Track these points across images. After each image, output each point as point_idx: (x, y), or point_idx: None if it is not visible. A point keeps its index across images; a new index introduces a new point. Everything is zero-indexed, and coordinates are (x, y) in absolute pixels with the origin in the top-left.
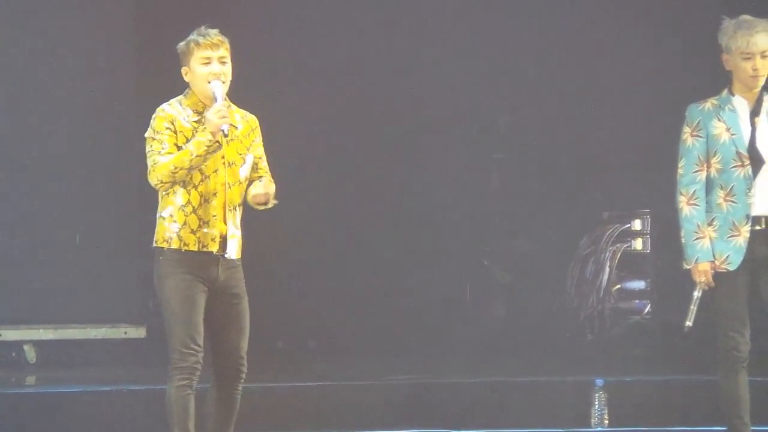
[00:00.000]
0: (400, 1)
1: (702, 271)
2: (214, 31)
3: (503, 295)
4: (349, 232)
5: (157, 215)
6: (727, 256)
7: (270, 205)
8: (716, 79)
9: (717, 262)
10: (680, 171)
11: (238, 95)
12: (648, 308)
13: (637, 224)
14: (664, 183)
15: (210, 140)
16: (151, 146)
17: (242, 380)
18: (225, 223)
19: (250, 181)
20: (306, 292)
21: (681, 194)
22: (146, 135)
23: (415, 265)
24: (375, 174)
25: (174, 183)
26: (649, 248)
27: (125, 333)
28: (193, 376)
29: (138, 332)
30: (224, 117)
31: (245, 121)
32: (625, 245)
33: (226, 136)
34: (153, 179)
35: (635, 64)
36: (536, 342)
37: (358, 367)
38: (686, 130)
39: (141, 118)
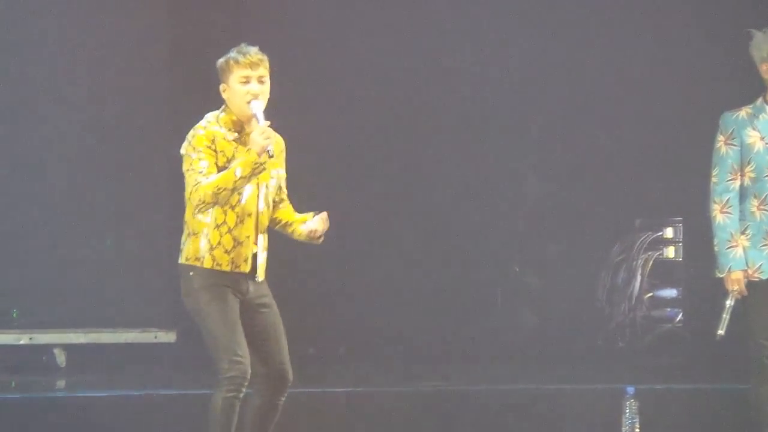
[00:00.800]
0: (418, 3)
1: (735, 279)
2: (254, 49)
3: (534, 302)
4: (379, 238)
5: (188, 232)
6: (760, 265)
7: (321, 240)
8: (747, 87)
9: (750, 271)
10: (714, 179)
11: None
12: (680, 317)
13: (669, 232)
14: (696, 190)
15: (256, 161)
16: (191, 165)
17: (286, 391)
18: (256, 243)
19: (275, 205)
20: (335, 298)
21: (714, 203)
22: (184, 151)
23: (446, 271)
24: (404, 179)
25: (216, 204)
26: (681, 256)
27: (155, 337)
28: (242, 386)
29: (168, 336)
30: (269, 138)
31: (275, 143)
32: (657, 253)
33: (271, 156)
34: (195, 199)
35: (667, 70)
36: (567, 349)
37: (386, 374)
38: (720, 138)
39: (175, 124)
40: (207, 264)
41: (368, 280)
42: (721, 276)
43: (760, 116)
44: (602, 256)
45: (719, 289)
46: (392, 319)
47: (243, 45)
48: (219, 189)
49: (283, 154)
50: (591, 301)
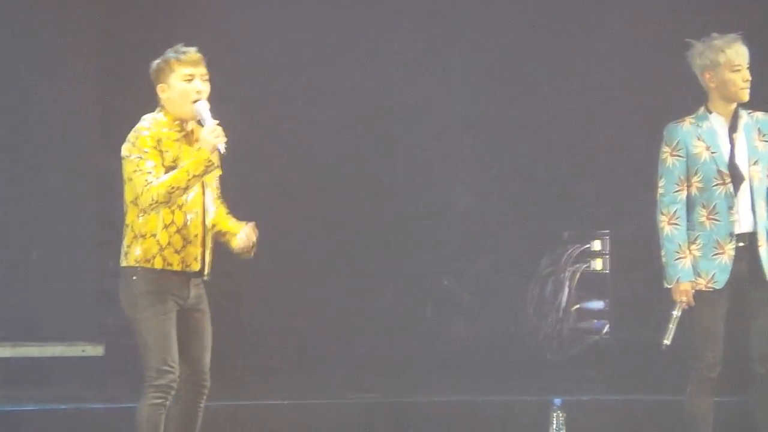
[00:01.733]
0: (382, 6)
1: (683, 290)
2: (193, 49)
3: (463, 315)
4: (311, 251)
5: (134, 235)
6: (713, 275)
7: (251, 255)
8: (673, 101)
9: (703, 281)
10: (660, 191)
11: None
12: (607, 328)
13: (596, 245)
14: (623, 204)
15: (208, 159)
16: (138, 166)
17: (205, 396)
18: (205, 244)
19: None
20: (268, 309)
21: (662, 214)
22: (126, 154)
23: (376, 284)
24: (337, 193)
25: (168, 203)
26: (609, 269)
27: (83, 351)
28: (168, 394)
29: (96, 350)
30: (219, 136)
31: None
32: (585, 265)
33: (222, 154)
34: (146, 199)
35: (594, 84)
36: (495, 361)
37: (318, 386)
38: (665, 149)
39: (101, 136)
40: (158, 264)
41: (298, 293)
42: (669, 287)
43: (704, 125)
44: (530, 268)
45: (649, 299)
46: (325, 331)
47: (180, 45)
48: (172, 188)
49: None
50: (519, 313)
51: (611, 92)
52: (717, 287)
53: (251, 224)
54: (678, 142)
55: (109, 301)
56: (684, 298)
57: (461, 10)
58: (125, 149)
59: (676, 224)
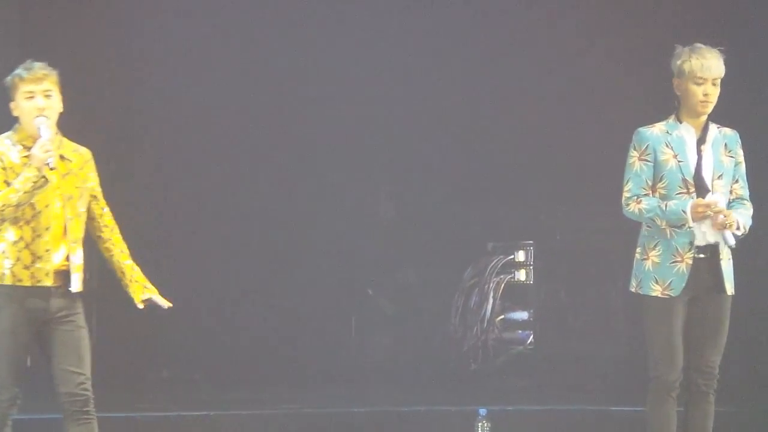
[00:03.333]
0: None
1: (698, 208)
2: (39, 65)
3: (388, 325)
4: (232, 260)
5: None
6: (670, 282)
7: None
8: (602, 110)
9: (659, 288)
10: (627, 194)
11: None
12: (531, 339)
13: (520, 255)
14: (547, 215)
15: (36, 176)
16: None
17: (90, 405)
18: (66, 257)
19: (96, 217)
20: (191, 321)
21: (628, 205)
22: None
23: (300, 294)
24: (259, 202)
25: (3, 220)
26: (533, 279)
27: None
28: (10, 410)
29: None
30: (48, 151)
31: (78, 155)
32: (509, 276)
33: (52, 169)
34: None
35: (520, 95)
36: (420, 372)
37: (242, 397)
38: (633, 153)
39: None
40: (8, 281)
41: (222, 305)
42: (689, 225)
43: (674, 133)
44: (455, 279)
45: (569, 311)
46: (248, 342)
47: (28, 61)
48: (3, 206)
49: (89, 165)
50: (444, 324)
51: (537, 101)
52: (673, 294)
53: (160, 299)
54: (647, 147)
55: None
56: (708, 211)
57: (380, 12)
58: None
59: (644, 199)
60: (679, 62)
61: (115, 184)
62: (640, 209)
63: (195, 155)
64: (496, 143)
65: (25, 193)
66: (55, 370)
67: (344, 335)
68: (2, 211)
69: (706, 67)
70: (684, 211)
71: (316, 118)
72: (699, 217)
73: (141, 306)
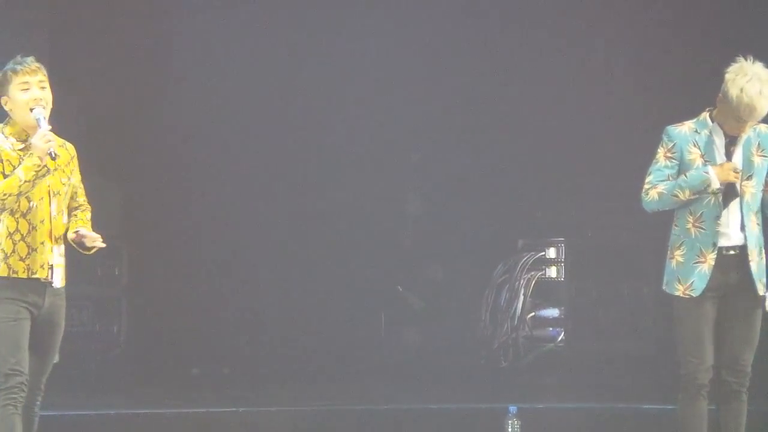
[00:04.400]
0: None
1: (722, 169)
2: (30, 59)
3: (417, 322)
4: (262, 258)
5: None
6: (692, 282)
7: (94, 251)
8: (633, 109)
9: (682, 288)
10: (645, 186)
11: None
12: (561, 336)
13: (551, 252)
14: (577, 211)
15: (38, 165)
16: None
17: (38, 403)
18: (52, 251)
19: (70, 212)
20: (221, 318)
21: (647, 194)
22: None
23: (329, 291)
24: (289, 199)
25: (3, 210)
26: (563, 276)
27: None
28: (19, 396)
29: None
30: (50, 141)
31: (64, 150)
32: (540, 273)
33: (54, 158)
34: None
35: (552, 92)
36: (450, 369)
37: (272, 393)
38: (660, 150)
39: None
40: (3, 272)
41: (252, 302)
42: (713, 187)
43: (703, 132)
44: (485, 276)
45: (600, 308)
46: (277, 339)
47: (18, 56)
48: (5, 194)
49: (74, 161)
50: (474, 321)
51: (568, 98)
52: (694, 295)
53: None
54: (674, 145)
55: (66, 309)
56: (730, 175)
57: (418, 15)
58: None
59: (661, 183)
60: (730, 89)
61: (145, 183)
62: (659, 192)
63: (224, 153)
64: (526, 140)
65: (26, 182)
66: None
67: (374, 332)
68: (4, 200)
69: (752, 113)
70: (706, 172)
71: (346, 115)
72: (724, 178)
73: (72, 235)
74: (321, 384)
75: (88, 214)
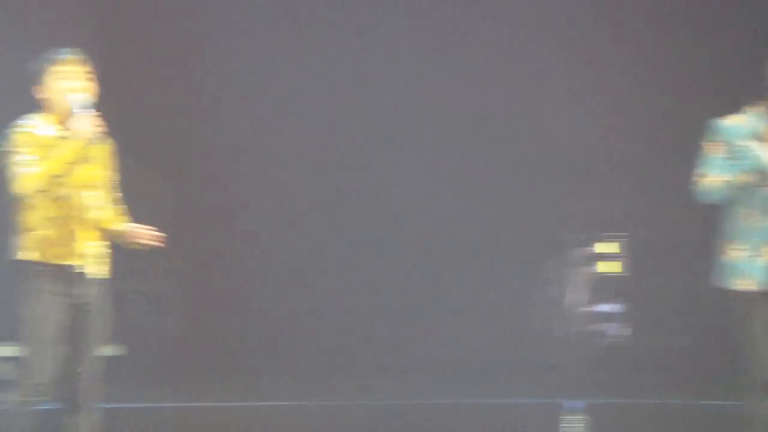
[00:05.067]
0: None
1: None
2: (70, 50)
3: (473, 317)
4: (323, 253)
5: (18, 228)
6: (747, 276)
7: (141, 247)
8: (689, 102)
9: (738, 282)
10: (698, 177)
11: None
12: (620, 330)
13: (611, 247)
14: (638, 207)
15: (80, 148)
16: (11, 159)
17: (93, 391)
18: (84, 240)
19: (105, 205)
20: (281, 311)
21: (700, 183)
22: (4, 149)
23: (387, 287)
24: (339, 195)
25: (43, 191)
26: (622, 271)
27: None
28: (38, 396)
29: (110, 350)
30: (92, 128)
31: (101, 143)
32: (596, 268)
33: (95, 143)
34: (21, 189)
35: (615, 86)
36: (507, 364)
37: (329, 387)
38: (710, 143)
39: None
40: (35, 257)
41: (311, 295)
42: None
43: (751, 124)
44: (541, 270)
45: (657, 304)
46: (334, 333)
47: (59, 47)
48: (46, 176)
49: (110, 156)
50: (532, 315)
51: (627, 93)
52: (750, 288)
53: (140, 228)
54: (722, 138)
55: (121, 302)
56: None
57: (456, 10)
58: (3, 145)
59: (713, 173)
60: None
61: (197, 178)
62: (713, 182)
63: (266, 146)
64: (586, 135)
65: (66, 164)
66: (68, 353)
67: (430, 327)
68: (44, 182)
69: None
70: (759, 156)
71: (384, 106)
72: None
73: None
74: (372, 378)
75: (123, 210)
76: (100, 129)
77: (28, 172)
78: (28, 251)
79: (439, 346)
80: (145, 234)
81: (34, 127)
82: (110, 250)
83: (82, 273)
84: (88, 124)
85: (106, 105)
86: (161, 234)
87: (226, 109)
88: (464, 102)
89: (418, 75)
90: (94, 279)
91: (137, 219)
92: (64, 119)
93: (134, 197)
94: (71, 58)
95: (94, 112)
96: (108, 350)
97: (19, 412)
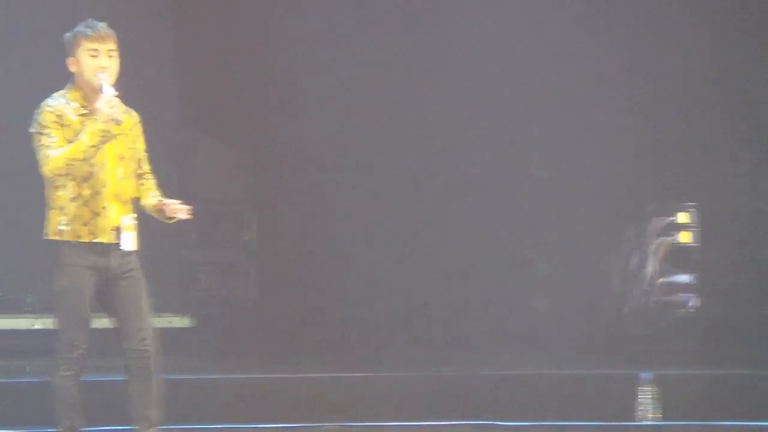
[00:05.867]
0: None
1: None
2: (102, 24)
3: (547, 288)
4: (394, 224)
5: (49, 207)
6: None
7: (174, 221)
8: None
9: None
10: None
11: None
12: (693, 302)
13: (683, 217)
14: (710, 177)
15: (103, 130)
16: (41, 141)
17: (150, 360)
18: (117, 214)
19: (137, 178)
20: (352, 283)
21: None
22: (32, 130)
23: (459, 257)
24: (418, 166)
25: (68, 174)
26: (695, 242)
27: (170, 322)
28: (77, 366)
29: (182, 321)
30: (114, 107)
31: (128, 117)
32: (671, 238)
33: (119, 124)
34: (47, 172)
35: (683, 57)
36: (581, 335)
37: (403, 359)
38: None
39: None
40: (67, 237)
41: (381, 267)
42: None
43: None
44: (616, 241)
45: (732, 273)
46: (407, 304)
47: (90, 19)
48: (70, 159)
49: (138, 129)
50: (604, 287)
51: (703, 63)
52: None
53: (176, 203)
54: None
55: (194, 273)
56: None
57: None
58: (32, 126)
59: None
60: None
61: (271, 148)
62: None
63: (349, 118)
64: (660, 104)
65: (91, 146)
66: (117, 326)
67: (503, 298)
68: (70, 164)
69: None
70: None
71: (472, 84)
72: None
73: (153, 203)
74: (446, 349)
75: (155, 182)
76: (117, 110)
77: (54, 153)
78: (61, 229)
79: (514, 317)
80: (178, 208)
81: (60, 106)
82: (172, 222)
83: (116, 247)
84: (111, 105)
85: (202, 78)
86: (190, 207)
87: (340, 77)
88: (532, 68)
89: (490, 46)
90: (129, 252)
91: (231, 188)
92: (91, 96)
93: (206, 170)
94: (105, 34)
95: (112, 92)
96: (176, 321)
97: (62, 385)
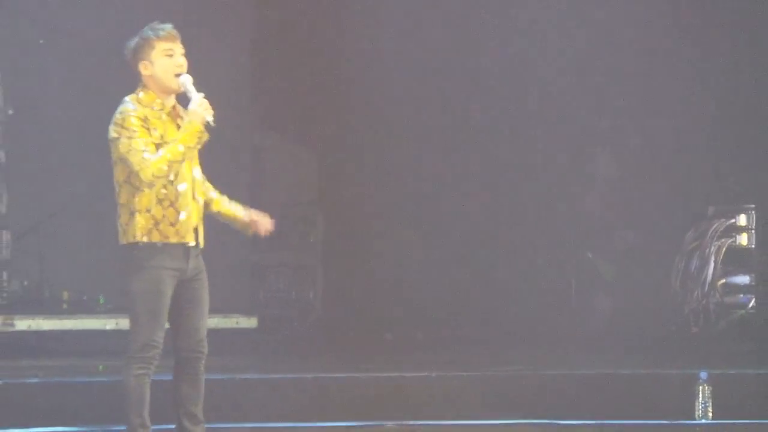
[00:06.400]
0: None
1: None
2: (169, 25)
3: (608, 288)
4: (453, 227)
5: (129, 212)
6: None
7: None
8: None
9: None
10: None
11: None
12: (752, 303)
13: (742, 219)
14: None
15: (200, 131)
16: (131, 146)
17: (203, 361)
18: (197, 215)
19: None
20: (414, 285)
21: None
22: (115, 136)
23: (520, 259)
24: (477, 169)
25: (168, 177)
26: (754, 243)
27: (237, 323)
28: (151, 366)
29: (250, 322)
30: (207, 108)
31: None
32: (731, 240)
33: (212, 125)
34: (146, 176)
35: (746, 60)
36: (641, 335)
37: (463, 359)
38: None
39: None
40: (155, 239)
41: (443, 269)
42: None
43: None
44: (676, 242)
45: None
46: (468, 305)
47: (155, 22)
48: (171, 162)
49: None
50: (665, 287)
51: (761, 64)
52: None
53: (261, 215)
54: None
55: (261, 275)
56: None
57: None
58: (113, 131)
59: None
60: None
61: (341, 151)
62: None
63: (415, 121)
64: (719, 107)
65: (188, 148)
66: (177, 325)
67: (564, 298)
68: (170, 167)
69: None
70: None
71: (536, 78)
72: None
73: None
74: (511, 349)
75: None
76: (211, 111)
77: (153, 158)
78: (143, 232)
79: (576, 317)
80: (266, 226)
81: (142, 110)
82: (249, 234)
83: (195, 248)
84: (202, 108)
85: (275, 80)
86: (272, 222)
87: (408, 80)
88: (593, 67)
89: (557, 48)
90: (199, 253)
91: (301, 190)
92: (164, 98)
93: (276, 172)
94: (175, 34)
95: (201, 94)
96: (243, 322)
97: (135, 383)
